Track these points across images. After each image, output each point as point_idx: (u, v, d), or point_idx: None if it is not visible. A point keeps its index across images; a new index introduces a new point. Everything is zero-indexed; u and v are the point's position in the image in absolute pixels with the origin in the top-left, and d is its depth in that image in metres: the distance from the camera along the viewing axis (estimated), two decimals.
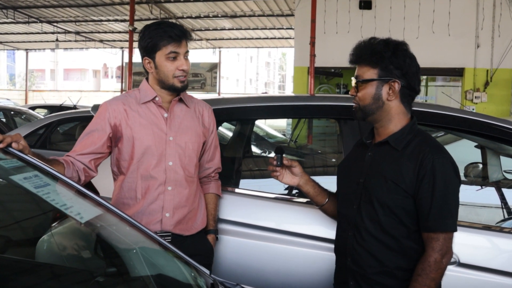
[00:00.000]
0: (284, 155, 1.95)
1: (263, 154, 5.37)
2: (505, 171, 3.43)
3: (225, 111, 2.62)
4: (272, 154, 2.21)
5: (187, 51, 2.02)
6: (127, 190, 2.03)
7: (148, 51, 1.99)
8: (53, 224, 2.19)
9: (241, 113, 2.70)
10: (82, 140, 2.01)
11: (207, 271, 1.63)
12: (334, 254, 1.91)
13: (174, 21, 14.78)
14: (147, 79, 2.09)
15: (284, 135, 8.74)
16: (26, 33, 18.11)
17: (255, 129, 5.34)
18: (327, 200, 2.00)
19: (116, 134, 2.02)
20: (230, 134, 4.55)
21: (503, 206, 3.18)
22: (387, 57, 1.70)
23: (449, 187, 1.66)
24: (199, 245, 2.09)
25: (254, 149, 5.31)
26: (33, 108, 12.66)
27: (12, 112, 9.64)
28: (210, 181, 2.25)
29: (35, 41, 20.03)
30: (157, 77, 2.02)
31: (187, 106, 2.12)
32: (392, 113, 1.75)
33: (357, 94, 1.76)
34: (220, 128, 4.23)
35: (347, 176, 1.88)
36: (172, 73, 1.98)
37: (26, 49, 22.59)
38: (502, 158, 3.34)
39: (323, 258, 2.14)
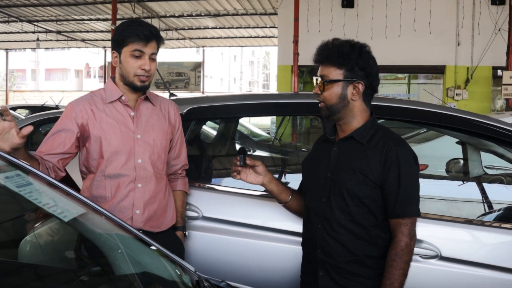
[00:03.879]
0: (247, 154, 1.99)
1: (248, 153, 5.36)
2: (485, 167, 3.49)
3: (209, 109, 2.62)
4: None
5: (154, 53, 2.02)
6: (96, 189, 2.04)
7: (117, 45, 2.02)
8: (36, 225, 2.16)
9: (225, 111, 2.70)
10: (49, 140, 1.99)
11: (192, 268, 1.63)
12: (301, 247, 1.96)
13: (157, 20, 14.61)
14: (113, 78, 2.11)
15: (268, 133, 8.75)
16: (5, 33, 17.80)
17: (239, 127, 5.34)
18: (290, 197, 2.05)
19: (83, 134, 2.02)
20: (214, 132, 4.54)
21: (484, 201, 3.24)
22: (353, 59, 1.77)
23: (412, 175, 1.77)
24: (170, 242, 2.08)
25: (238, 147, 5.30)
26: (14, 108, 12.46)
27: None
28: (177, 178, 2.26)
29: (15, 41, 19.70)
30: (120, 72, 2.05)
31: (153, 105, 2.14)
32: (355, 111, 1.83)
33: (323, 93, 1.82)
34: (204, 127, 4.23)
35: (313, 172, 1.94)
36: (134, 71, 2.00)
37: (6, 49, 22.19)
38: (483, 153, 3.40)
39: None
